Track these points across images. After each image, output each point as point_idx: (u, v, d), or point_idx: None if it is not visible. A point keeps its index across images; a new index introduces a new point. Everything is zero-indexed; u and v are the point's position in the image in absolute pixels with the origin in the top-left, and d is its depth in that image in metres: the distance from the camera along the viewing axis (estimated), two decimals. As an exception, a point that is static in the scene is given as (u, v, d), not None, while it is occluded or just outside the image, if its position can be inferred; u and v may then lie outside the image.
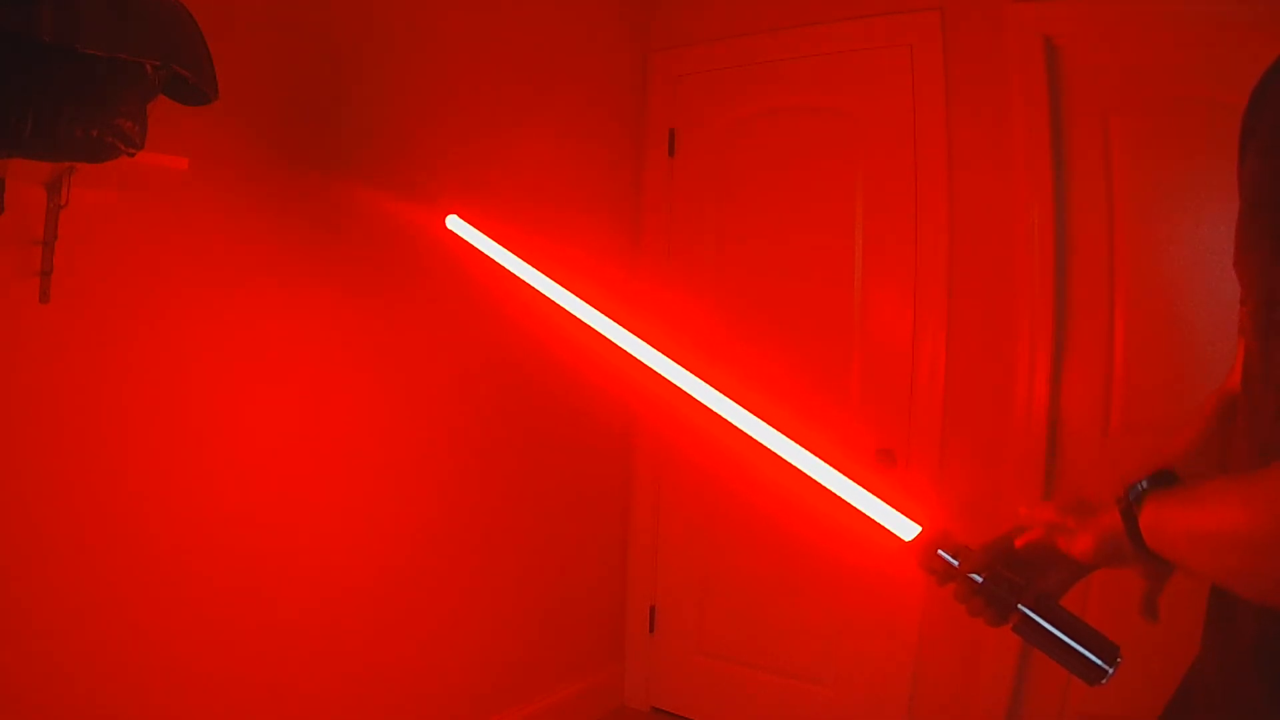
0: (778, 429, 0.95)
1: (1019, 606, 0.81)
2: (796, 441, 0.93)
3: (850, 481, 0.90)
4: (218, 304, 1.70)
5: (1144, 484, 0.73)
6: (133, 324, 1.58)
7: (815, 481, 0.91)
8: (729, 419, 0.97)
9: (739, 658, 2.68)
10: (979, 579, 0.83)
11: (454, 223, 1.43)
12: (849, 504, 0.90)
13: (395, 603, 2.10)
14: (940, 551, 0.85)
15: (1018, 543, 0.87)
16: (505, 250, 1.32)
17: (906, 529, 0.87)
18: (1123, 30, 2.17)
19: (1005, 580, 0.83)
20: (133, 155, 1.28)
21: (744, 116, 2.69)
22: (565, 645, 2.65)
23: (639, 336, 1.06)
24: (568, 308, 1.18)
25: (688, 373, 1.01)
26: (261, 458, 1.80)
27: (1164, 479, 0.73)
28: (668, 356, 1.03)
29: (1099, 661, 0.78)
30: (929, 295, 2.35)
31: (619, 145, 2.77)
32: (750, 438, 0.96)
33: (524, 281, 1.26)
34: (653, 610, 2.84)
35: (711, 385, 0.99)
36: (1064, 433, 2.21)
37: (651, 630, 2.84)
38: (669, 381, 1.02)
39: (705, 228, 2.75)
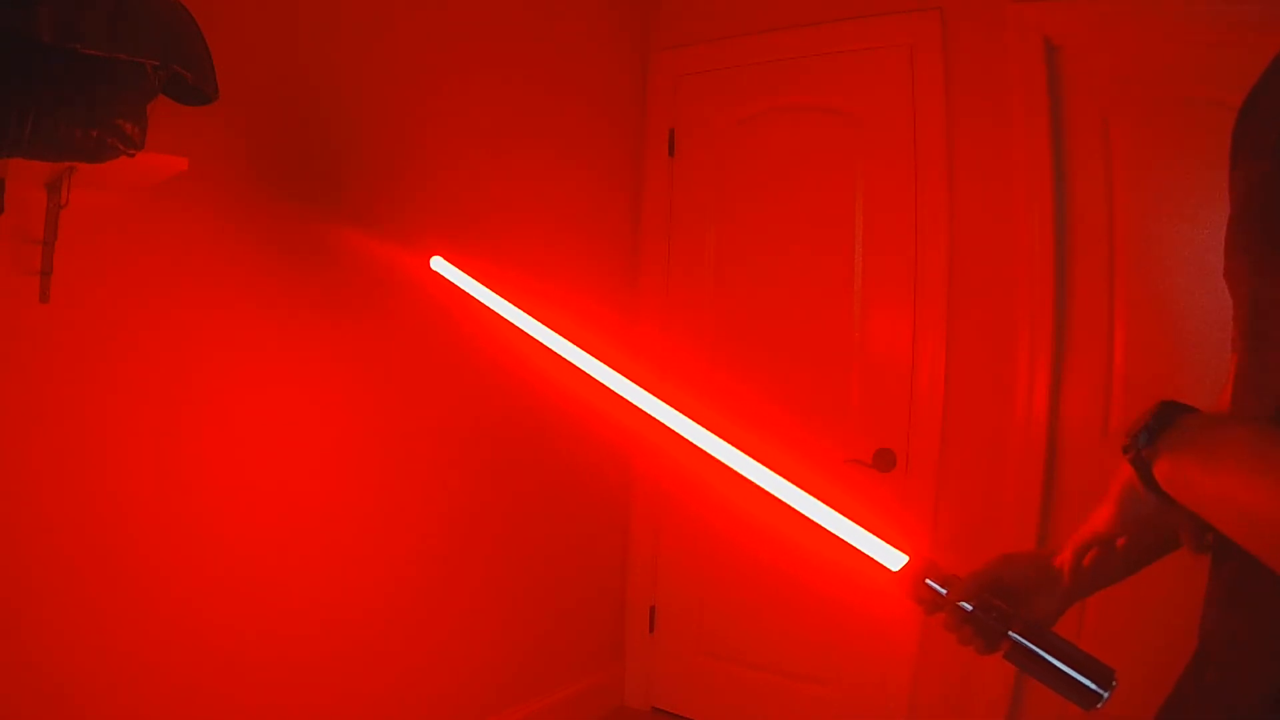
0: (762, 461, 0.94)
1: (1009, 634, 0.80)
2: (783, 473, 0.93)
3: (837, 514, 0.90)
4: (218, 305, 1.70)
5: (1150, 425, 0.66)
6: (132, 324, 1.57)
7: (801, 515, 0.91)
8: (714, 455, 0.97)
9: (739, 658, 2.68)
10: (968, 607, 0.82)
11: (438, 264, 1.42)
12: (835, 536, 0.89)
13: (400, 606, 2.10)
14: (928, 581, 0.85)
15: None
16: (489, 290, 1.31)
17: (894, 559, 0.87)
18: (1123, 31, 2.17)
19: (994, 608, 0.82)
20: (133, 155, 1.28)
21: (744, 116, 2.69)
22: (565, 645, 2.65)
23: (632, 378, 1.06)
24: (555, 348, 1.18)
25: (672, 413, 1.01)
26: (266, 463, 1.80)
27: (1170, 413, 0.66)
28: (655, 395, 1.03)
29: (1094, 686, 0.77)
30: (929, 294, 2.35)
31: (619, 146, 2.77)
32: (734, 473, 0.95)
33: (508, 319, 1.26)
34: (653, 610, 2.84)
35: (696, 419, 0.99)
36: (1064, 433, 2.21)
37: (651, 630, 2.84)
38: (661, 421, 1.02)
39: (705, 227, 2.75)
